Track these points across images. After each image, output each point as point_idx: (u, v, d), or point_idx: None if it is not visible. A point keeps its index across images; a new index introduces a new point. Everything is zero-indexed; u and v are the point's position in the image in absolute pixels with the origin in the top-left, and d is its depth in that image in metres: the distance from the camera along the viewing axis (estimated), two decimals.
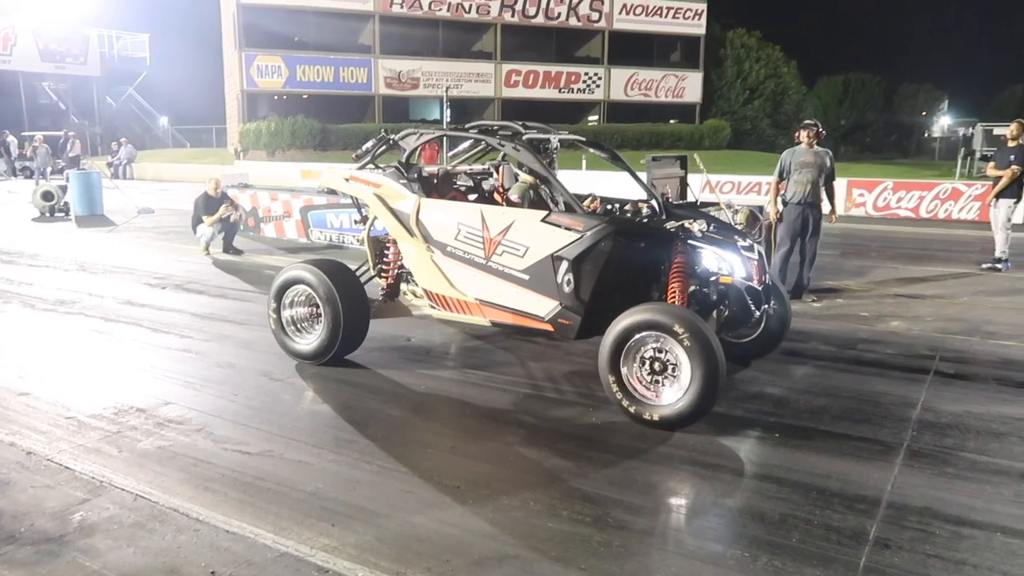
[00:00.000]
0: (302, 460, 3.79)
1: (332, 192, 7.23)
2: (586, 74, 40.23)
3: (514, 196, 5.20)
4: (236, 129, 34.53)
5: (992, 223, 9.40)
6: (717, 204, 9.44)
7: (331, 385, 4.98)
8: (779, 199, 7.78)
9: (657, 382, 4.15)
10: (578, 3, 39.31)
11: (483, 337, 6.17)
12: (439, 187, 5.53)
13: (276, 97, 35.32)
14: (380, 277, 5.61)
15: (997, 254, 9.31)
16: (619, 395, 4.18)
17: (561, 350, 5.74)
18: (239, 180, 14.93)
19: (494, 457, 3.89)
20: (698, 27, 41.68)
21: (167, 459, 3.79)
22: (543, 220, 4.63)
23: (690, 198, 9.96)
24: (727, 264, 4.65)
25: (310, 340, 5.22)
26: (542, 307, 4.65)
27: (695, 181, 10.51)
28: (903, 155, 42.88)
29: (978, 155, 25.44)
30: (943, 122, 45.64)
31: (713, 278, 4.70)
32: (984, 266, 9.36)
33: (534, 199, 5.21)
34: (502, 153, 5.64)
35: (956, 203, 15.16)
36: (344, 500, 3.38)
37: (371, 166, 5.60)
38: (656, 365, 4.13)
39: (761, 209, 9.53)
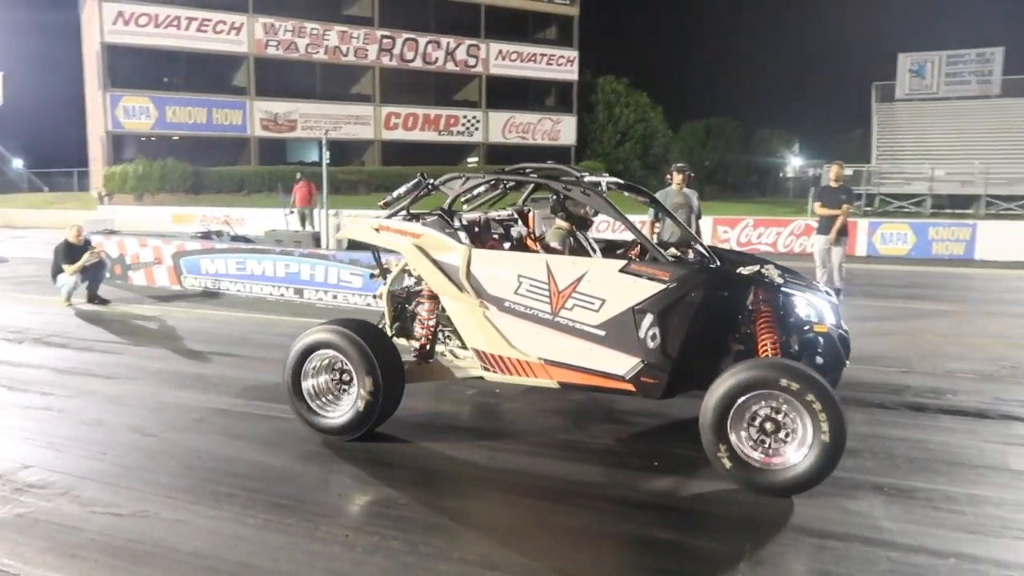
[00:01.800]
0: (179, 519, 3.62)
1: (359, 246, 6.01)
2: (465, 117, 40.92)
3: (554, 243, 5.01)
4: (100, 172, 32.75)
5: (831, 257, 9.71)
6: None
7: (209, 438, 4.78)
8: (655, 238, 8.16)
9: (770, 444, 3.81)
10: (455, 49, 40.11)
11: None
12: (480, 236, 5.03)
13: (144, 139, 33.81)
14: (408, 338, 5.05)
15: (836, 284, 9.82)
16: (727, 462, 3.81)
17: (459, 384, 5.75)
18: (104, 226, 14.14)
19: (383, 501, 3.84)
20: (571, 73, 43.41)
21: (27, 527, 3.52)
22: (622, 270, 4.25)
23: None
24: (816, 311, 4.45)
25: (340, 412, 4.61)
26: (621, 365, 4.22)
27: None
28: (761, 194, 45.92)
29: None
30: (795, 163, 49.31)
31: (807, 327, 4.43)
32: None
33: (573, 246, 5.02)
34: (524, 197, 5.49)
35: (808, 238, 16.35)
36: (226, 558, 3.25)
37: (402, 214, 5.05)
38: (768, 425, 3.81)
39: None
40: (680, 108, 51.90)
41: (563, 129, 43.43)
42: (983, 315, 9.29)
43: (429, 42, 39.50)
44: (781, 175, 50.15)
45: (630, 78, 46.80)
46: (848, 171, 24.03)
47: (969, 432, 4.88)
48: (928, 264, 14.45)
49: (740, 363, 3.95)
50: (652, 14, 79.14)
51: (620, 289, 4.23)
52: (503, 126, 41.82)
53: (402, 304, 5.11)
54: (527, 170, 5.15)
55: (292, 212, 18.12)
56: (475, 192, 5.06)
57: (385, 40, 38.36)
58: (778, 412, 3.77)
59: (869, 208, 26.50)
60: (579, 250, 5.00)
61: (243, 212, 21.59)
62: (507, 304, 4.48)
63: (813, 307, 4.44)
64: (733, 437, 3.82)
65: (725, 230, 17.27)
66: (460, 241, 4.64)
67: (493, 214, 5.47)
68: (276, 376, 6.10)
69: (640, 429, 5.02)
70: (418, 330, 4.99)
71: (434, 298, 4.82)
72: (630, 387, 4.23)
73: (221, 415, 5.19)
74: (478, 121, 41.23)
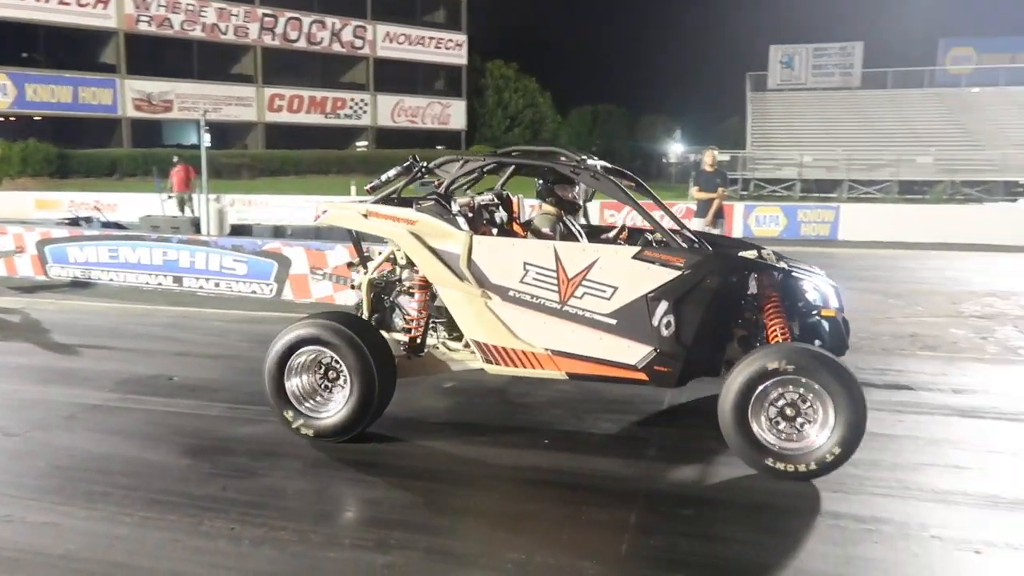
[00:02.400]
0: (48, 521, 3.41)
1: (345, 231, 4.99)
2: (352, 100, 40.09)
3: (545, 228, 4.88)
4: None
5: None
6: None
7: (80, 436, 4.52)
8: None
9: (794, 430, 3.83)
10: (341, 30, 39.14)
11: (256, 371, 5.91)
12: (473, 221, 4.74)
13: (2, 119, 31.25)
14: (387, 330, 4.73)
15: None
16: (746, 448, 3.83)
17: None
18: None
19: (270, 492, 3.76)
20: (459, 57, 43.26)
21: None
22: (635, 257, 4.14)
23: None
24: (822, 295, 4.43)
25: (331, 412, 4.30)
26: (633, 354, 4.12)
27: None
28: (646, 178, 47.09)
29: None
30: (677, 149, 51.17)
31: (815, 311, 4.41)
32: None
33: (563, 232, 4.91)
34: (502, 181, 5.22)
35: (689, 220, 17.02)
36: (101, 559, 3.10)
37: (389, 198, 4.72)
38: (789, 411, 3.82)
39: None
40: (568, 94, 52.77)
41: (453, 113, 43.30)
42: (845, 291, 9.94)
43: (314, 22, 38.38)
44: (664, 160, 51.89)
45: (519, 63, 47.15)
46: (724, 157, 25.18)
47: None
48: (797, 244, 15.31)
49: (759, 349, 3.97)
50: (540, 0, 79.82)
51: (633, 276, 4.12)
52: (392, 110, 41.24)
53: (380, 295, 4.81)
54: (529, 154, 5.01)
55: (170, 197, 17.25)
56: (469, 176, 4.85)
57: (267, 19, 36.98)
58: (799, 397, 3.80)
59: (745, 192, 27.84)
60: (568, 236, 4.90)
61: (115, 197, 20.33)
62: (511, 293, 4.30)
63: (819, 291, 4.44)
64: (754, 424, 3.83)
65: (612, 213, 17.71)
66: (459, 228, 4.39)
67: (483, 198, 5.21)
68: (153, 368, 5.86)
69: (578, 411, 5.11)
70: (404, 322, 4.72)
71: (425, 288, 4.55)
72: (643, 376, 4.16)
73: (93, 411, 4.91)
74: (366, 104, 40.49)
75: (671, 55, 76.85)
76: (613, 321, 4.14)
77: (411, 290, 4.67)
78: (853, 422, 3.68)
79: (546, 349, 4.26)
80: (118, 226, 11.01)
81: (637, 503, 3.64)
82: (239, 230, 12.99)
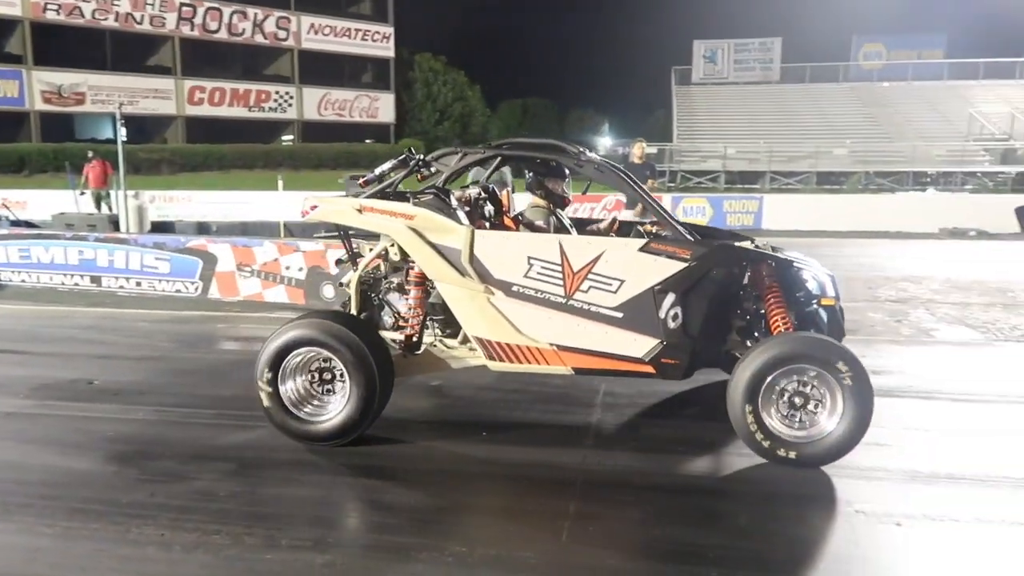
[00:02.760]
0: None
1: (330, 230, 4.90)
2: (277, 93, 39.17)
3: (539, 221, 4.80)
4: None
5: None
6: None
7: None
8: None
9: (802, 417, 3.89)
10: (263, 20, 38.16)
11: (182, 372, 5.73)
12: (469, 216, 4.56)
13: None
14: (386, 329, 4.61)
15: None
16: (761, 438, 3.85)
17: None
18: None
19: (201, 495, 3.65)
20: (387, 49, 42.73)
21: None
22: (642, 249, 4.11)
23: None
24: (819, 284, 4.45)
25: (329, 416, 4.15)
26: (639, 347, 4.11)
27: None
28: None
29: None
30: (605, 142, 51.93)
31: (815, 299, 4.43)
32: None
33: (557, 224, 4.85)
34: (487, 174, 4.99)
35: (619, 212, 17.30)
36: (21, 573, 2.95)
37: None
38: (797, 400, 3.88)
39: None
40: (498, 88, 52.82)
41: (381, 107, 42.77)
42: None
43: (234, 12, 37.28)
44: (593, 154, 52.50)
45: (448, 56, 46.89)
46: (652, 149, 25.63)
47: None
48: None
49: (768, 340, 3.99)
50: None
51: (640, 269, 4.10)
52: (318, 103, 40.47)
53: (369, 292, 4.68)
54: (528, 146, 4.92)
55: (84, 193, 16.54)
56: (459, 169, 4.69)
57: (185, 8, 35.73)
58: (807, 385, 3.85)
59: (672, 184, 28.41)
60: (561, 229, 4.86)
61: (25, 194, 19.33)
62: (515, 288, 4.22)
63: (817, 280, 4.46)
64: (764, 414, 3.87)
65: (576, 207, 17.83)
66: (460, 222, 4.28)
67: (469, 192, 5.02)
68: (73, 372, 5.61)
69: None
70: (395, 320, 4.61)
71: (421, 284, 4.43)
72: (650, 369, 4.14)
73: (8, 419, 4.67)
74: (291, 97, 39.62)
75: (598, 50, 77.89)
76: (619, 314, 4.12)
77: (404, 287, 4.55)
78: (862, 408, 3.77)
79: (551, 344, 4.21)
80: (29, 224, 10.49)
81: (576, 491, 3.68)
82: (161, 227, 12.56)
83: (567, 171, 4.91)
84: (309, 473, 3.92)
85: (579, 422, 4.69)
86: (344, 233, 4.68)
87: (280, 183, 17.36)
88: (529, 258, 4.21)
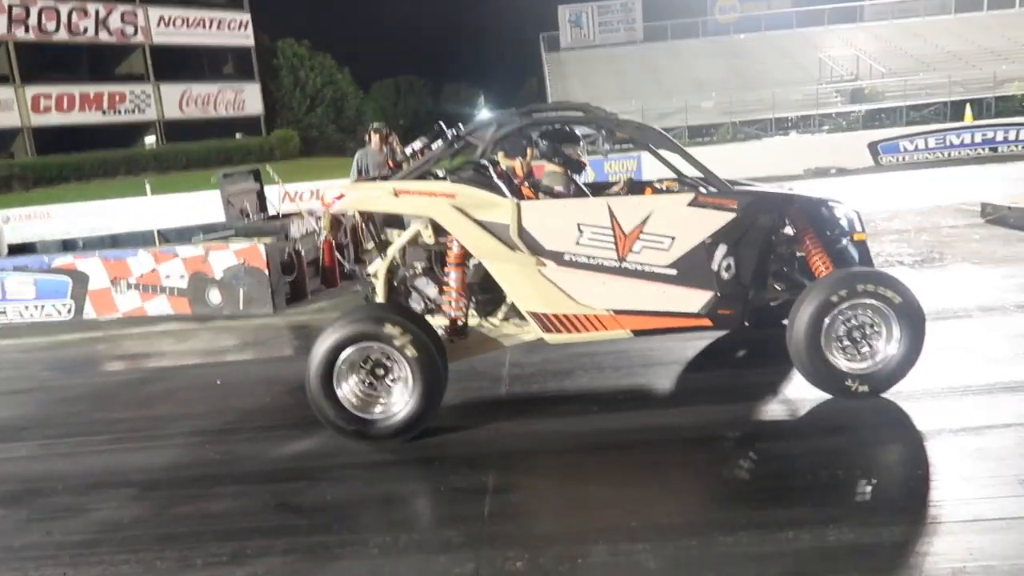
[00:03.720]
0: None
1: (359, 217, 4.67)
2: (132, 93, 36.83)
3: (558, 187, 4.71)
4: None
5: None
6: (299, 213, 9.60)
7: None
8: None
9: (867, 348, 4.07)
10: (106, 16, 35.66)
11: (65, 401, 5.38)
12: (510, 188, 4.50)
13: None
14: (434, 313, 4.50)
15: None
16: (823, 367, 4.04)
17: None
18: None
19: (105, 526, 3.46)
20: (246, 38, 40.87)
21: None
22: (690, 204, 4.16)
23: (271, 211, 9.88)
24: (849, 221, 4.51)
25: (394, 412, 4.02)
26: (694, 302, 4.18)
27: (272, 193, 10.43)
28: None
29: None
30: (483, 115, 51.96)
31: (847, 237, 4.51)
32: None
33: (576, 190, 4.77)
34: (485, 149, 4.88)
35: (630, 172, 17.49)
36: None
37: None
38: (856, 334, 4.06)
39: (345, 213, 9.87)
40: (368, 68, 51.67)
41: (247, 98, 40.98)
42: None
43: (73, 10, 34.64)
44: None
45: (311, 40, 45.40)
46: None
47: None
48: None
49: (820, 282, 4.10)
50: None
51: (690, 224, 4.15)
52: (179, 100, 38.36)
53: (393, 281, 4.54)
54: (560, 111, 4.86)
55: None
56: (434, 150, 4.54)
57: (16, 10, 32.91)
58: (866, 320, 4.04)
59: None
60: (579, 193, 4.83)
61: None
62: (568, 257, 4.18)
63: (848, 218, 4.53)
64: (828, 353, 4.04)
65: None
66: (504, 195, 4.21)
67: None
68: None
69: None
70: (420, 307, 4.50)
71: (461, 264, 4.30)
72: (707, 322, 4.23)
73: None
74: (148, 96, 37.37)
75: (465, 21, 77.28)
76: (673, 271, 4.17)
77: (434, 271, 4.47)
78: (916, 330, 4.00)
79: (607, 309, 4.21)
80: None
81: (493, 465, 3.72)
82: (20, 249, 11.69)
83: (580, 136, 4.90)
84: (217, 487, 3.78)
85: (488, 396, 4.72)
86: (370, 220, 4.51)
87: (148, 188, 16.47)
88: (579, 225, 4.18)
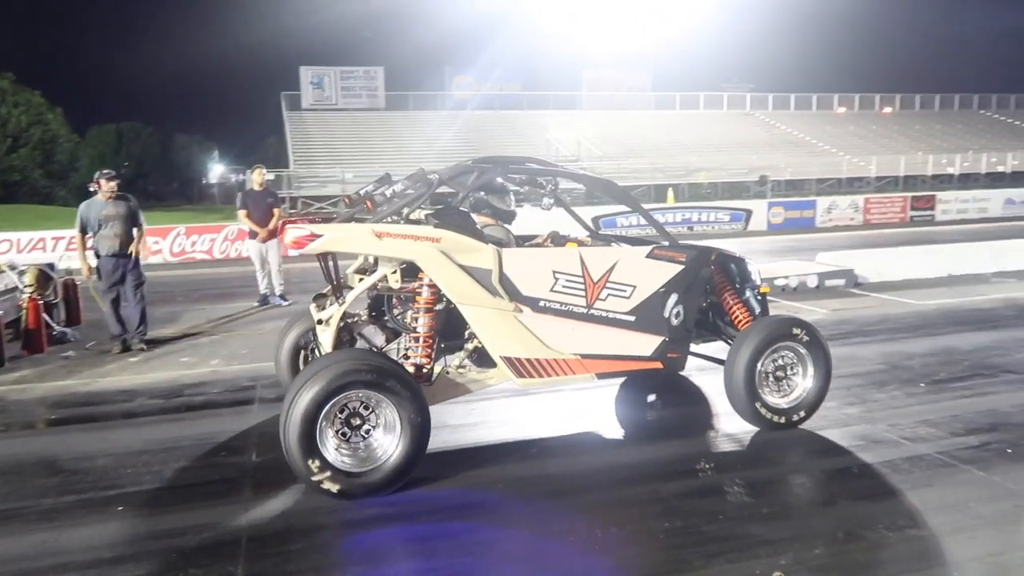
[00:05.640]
0: None
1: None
2: None
3: (502, 237, 4.63)
4: None
5: (269, 258, 9.92)
6: None
7: None
8: (89, 253, 7.47)
9: (788, 386, 4.75)
10: None
11: None
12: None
13: None
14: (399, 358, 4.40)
15: (277, 291, 9.97)
16: (763, 410, 4.62)
17: None
18: None
19: None
20: None
21: None
22: (648, 256, 4.58)
23: None
24: (758, 275, 5.13)
25: (378, 462, 3.87)
26: (647, 346, 4.52)
27: None
28: (188, 201, 44.72)
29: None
30: (217, 169, 49.25)
31: (755, 289, 5.09)
32: (257, 303, 9.96)
33: (514, 240, 4.80)
34: (462, 196, 4.67)
35: (244, 242, 16.51)
36: None
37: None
38: (779, 373, 4.72)
39: (52, 266, 8.72)
40: (86, 111, 46.97)
41: None
42: None
43: None
44: (204, 181, 49.52)
45: (16, 74, 40.20)
46: (270, 176, 25.00)
47: None
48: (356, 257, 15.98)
49: (753, 327, 4.69)
50: (34, 4, 69.29)
51: (647, 274, 4.52)
52: None
53: (348, 323, 4.48)
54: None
55: None
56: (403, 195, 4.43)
57: None
58: (789, 360, 4.71)
59: (293, 210, 28.00)
60: (518, 244, 4.82)
61: None
62: (542, 303, 4.31)
63: (755, 272, 5.12)
64: (761, 391, 4.63)
65: (156, 240, 16.28)
66: (486, 241, 4.25)
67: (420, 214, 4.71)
68: None
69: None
70: (412, 350, 4.31)
71: (431, 310, 4.23)
72: (658, 365, 4.58)
73: None
74: None
75: (204, 73, 73.63)
76: (632, 318, 4.49)
77: (392, 316, 4.49)
78: (827, 369, 4.73)
79: (574, 354, 4.38)
80: None
81: (241, 551, 3.42)
82: None
83: (509, 187, 5.02)
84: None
85: (234, 475, 4.35)
86: (333, 263, 4.43)
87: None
88: (554, 272, 4.36)
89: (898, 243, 14.15)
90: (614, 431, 5.07)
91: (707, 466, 4.31)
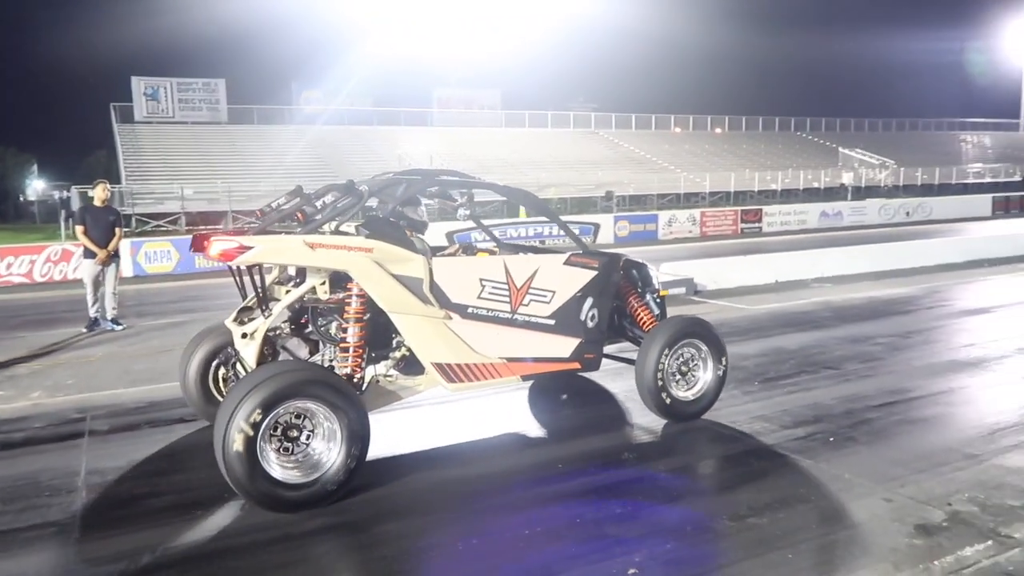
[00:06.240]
0: None
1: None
2: None
3: (419, 247, 4.54)
4: None
5: (105, 280, 9.19)
6: None
7: None
8: None
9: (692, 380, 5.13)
10: None
11: None
12: None
13: None
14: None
15: (109, 314, 9.24)
16: (668, 400, 4.97)
17: None
18: None
19: None
20: None
21: None
22: (566, 262, 4.78)
23: None
24: (658, 279, 5.50)
25: (319, 473, 3.82)
26: (566, 348, 4.74)
27: None
28: (5, 220, 40.67)
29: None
30: (37, 185, 45.17)
31: (655, 292, 5.43)
32: (85, 329, 9.15)
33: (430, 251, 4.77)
34: (392, 206, 4.75)
35: (69, 264, 15.23)
36: None
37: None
38: (684, 368, 5.07)
39: None
40: None
41: None
42: None
43: None
44: (22, 199, 45.30)
45: None
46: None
47: None
48: (195, 277, 15.11)
49: (658, 327, 5.03)
50: None
51: (565, 279, 4.73)
52: None
53: (274, 338, 4.55)
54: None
55: None
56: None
57: None
58: (690, 356, 5.08)
59: (128, 228, 26.16)
60: (432, 254, 4.76)
61: None
62: (470, 310, 4.44)
63: (655, 277, 5.47)
64: (671, 387, 4.97)
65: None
66: (417, 251, 4.33)
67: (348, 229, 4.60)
68: None
69: None
70: (340, 359, 4.30)
71: (361, 320, 4.23)
72: (576, 366, 4.80)
73: None
74: None
75: (21, 81, 67.33)
76: (552, 322, 4.70)
77: (316, 328, 4.45)
78: (722, 363, 5.14)
79: (501, 357, 4.53)
80: None
81: None
82: None
83: (421, 199, 5.05)
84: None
85: (60, 517, 3.96)
86: (260, 276, 4.27)
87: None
88: (482, 280, 4.50)
89: (731, 253, 15.17)
90: (525, 431, 5.09)
91: (561, 468, 4.42)
